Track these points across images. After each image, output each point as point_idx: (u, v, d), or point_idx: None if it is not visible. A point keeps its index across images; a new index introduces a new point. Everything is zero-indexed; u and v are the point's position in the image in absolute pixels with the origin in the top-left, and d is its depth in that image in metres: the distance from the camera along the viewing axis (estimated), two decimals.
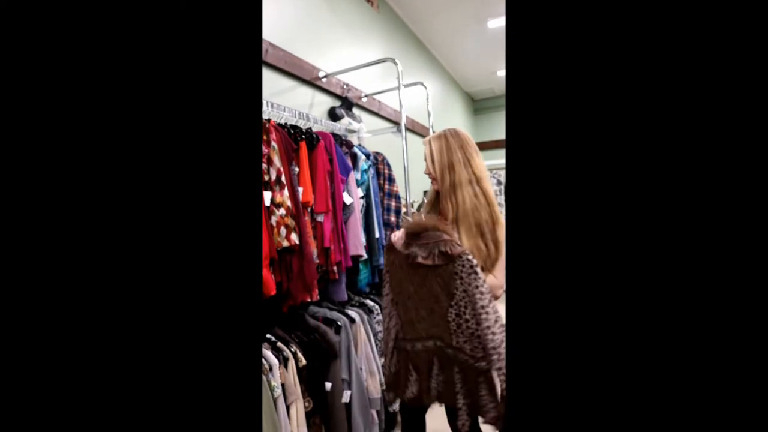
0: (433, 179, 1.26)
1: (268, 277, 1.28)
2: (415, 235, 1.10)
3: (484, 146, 4.67)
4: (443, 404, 1.17)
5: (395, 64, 2.01)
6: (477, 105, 5.77)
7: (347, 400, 1.59)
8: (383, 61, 2.16)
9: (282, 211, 1.31)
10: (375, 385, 1.72)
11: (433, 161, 1.24)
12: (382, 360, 1.25)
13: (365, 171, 1.83)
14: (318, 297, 1.50)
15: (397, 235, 1.15)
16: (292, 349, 1.38)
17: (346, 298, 1.65)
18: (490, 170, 4.67)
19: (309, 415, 1.42)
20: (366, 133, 2.24)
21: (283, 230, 1.31)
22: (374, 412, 1.72)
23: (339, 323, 1.65)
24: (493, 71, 4.70)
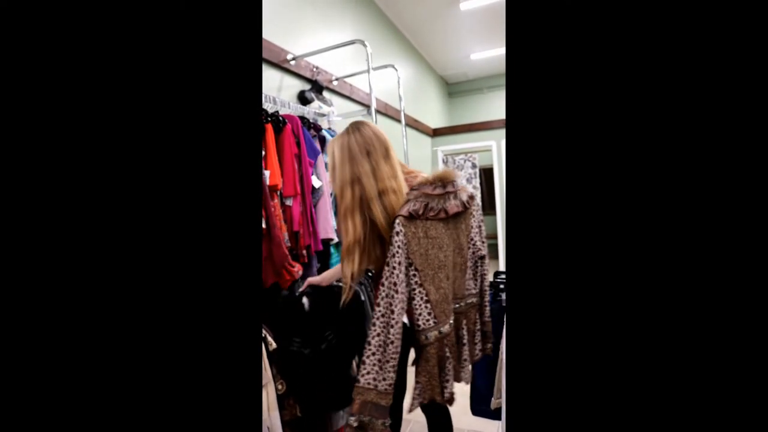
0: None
1: None
2: (446, 186, 1.02)
3: (458, 130, 4.69)
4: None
5: (364, 46, 1.99)
6: (451, 89, 5.77)
7: None
8: (352, 42, 2.14)
9: None
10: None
11: (334, 174, 1.06)
12: (368, 378, 0.96)
13: None
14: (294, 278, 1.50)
15: (413, 204, 0.98)
16: (262, 333, 1.38)
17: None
18: (465, 153, 4.71)
19: (282, 398, 1.43)
20: (337, 116, 2.22)
21: None
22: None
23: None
24: (466, 54, 4.69)
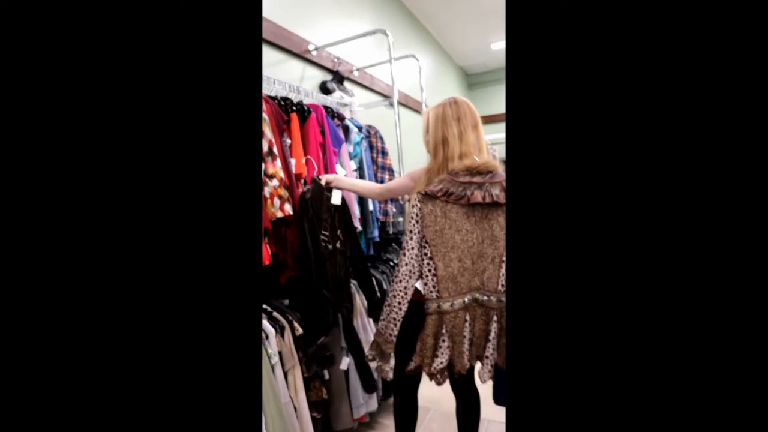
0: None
1: (263, 248, 1.30)
2: (473, 176, 1.10)
3: None
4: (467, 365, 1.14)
5: (386, 35, 1.99)
6: (471, 79, 5.71)
7: (345, 368, 1.63)
8: (374, 32, 2.13)
9: (275, 182, 1.32)
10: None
11: (427, 134, 1.21)
12: (382, 324, 1.12)
13: (358, 143, 1.83)
14: None
15: (436, 186, 1.09)
16: (289, 318, 1.41)
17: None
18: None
19: (308, 380, 1.46)
20: (358, 106, 2.23)
21: (276, 201, 1.32)
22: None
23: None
24: (486, 44, 4.63)
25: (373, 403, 1.75)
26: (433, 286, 1.08)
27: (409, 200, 1.14)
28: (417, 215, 1.07)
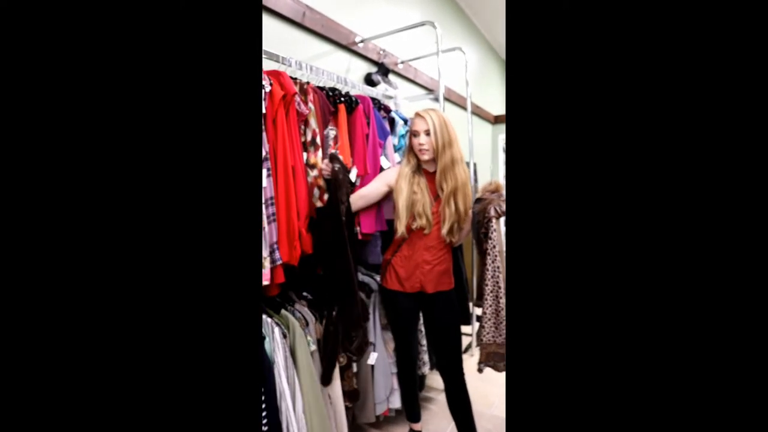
0: (424, 150, 1.35)
1: (307, 237, 1.32)
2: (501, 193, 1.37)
3: None
4: None
5: (434, 27, 1.96)
6: None
7: (373, 362, 1.63)
8: (422, 24, 2.11)
9: (315, 172, 1.33)
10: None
11: (436, 135, 1.33)
12: (492, 336, 1.40)
13: (403, 136, 1.82)
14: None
15: (500, 207, 1.33)
16: (330, 308, 1.43)
17: (380, 261, 1.68)
18: None
19: (343, 369, 1.48)
20: (403, 99, 2.22)
21: (316, 191, 1.34)
22: (395, 376, 1.75)
23: (371, 286, 1.70)
24: None
25: (396, 400, 1.74)
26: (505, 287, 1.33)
27: (489, 219, 1.32)
28: (497, 236, 1.32)
